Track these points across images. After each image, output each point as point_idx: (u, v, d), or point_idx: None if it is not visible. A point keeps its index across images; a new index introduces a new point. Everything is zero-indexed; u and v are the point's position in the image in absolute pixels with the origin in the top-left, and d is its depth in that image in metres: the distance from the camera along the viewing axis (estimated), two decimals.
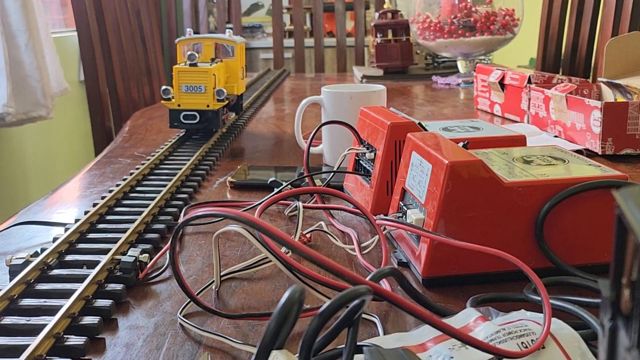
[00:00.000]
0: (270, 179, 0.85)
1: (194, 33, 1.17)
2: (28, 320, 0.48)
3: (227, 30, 1.17)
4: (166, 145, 1.04)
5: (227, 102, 1.08)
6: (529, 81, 1.22)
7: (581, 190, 0.56)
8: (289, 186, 0.79)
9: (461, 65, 1.94)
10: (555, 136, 1.10)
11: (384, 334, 0.48)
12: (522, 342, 0.41)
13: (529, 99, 1.21)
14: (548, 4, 2.11)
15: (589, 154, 0.98)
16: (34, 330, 0.47)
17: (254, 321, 0.51)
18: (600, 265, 0.58)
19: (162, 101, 1.07)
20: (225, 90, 1.06)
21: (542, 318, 0.43)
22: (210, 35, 1.16)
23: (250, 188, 0.87)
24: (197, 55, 1.05)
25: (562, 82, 1.21)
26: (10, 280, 0.54)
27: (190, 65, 1.05)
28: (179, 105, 1.06)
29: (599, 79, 1.18)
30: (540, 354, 0.41)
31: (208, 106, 1.06)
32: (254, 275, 0.60)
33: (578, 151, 0.98)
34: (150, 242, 0.66)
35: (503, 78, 1.32)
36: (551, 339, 0.41)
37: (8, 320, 0.49)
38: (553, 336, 0.41)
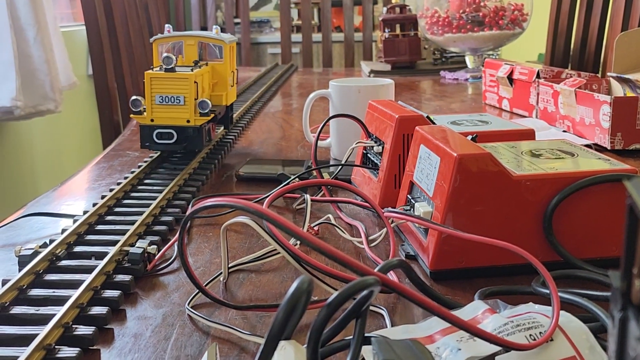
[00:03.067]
0: (278, 172, 0.85)
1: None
2: (37, 310, 0.49)
3: (215, 27, 0.97)
4: None
5: (212, 116, 0.89)
6: (538, 76, 1.22)
7: (590, 184, 0.56)
8: (297, 179, 0.79)
9: (469, 60, 1.93)
10: (564, 131, 1.10)
11: (392, 326, 0.48)
12: (530, 335, 0.41)
13: (538, 94, 1.21)
14: None
15: (598, 148, 0.98)
16: (43, 320, 0.47)
17: (262, 312, 0.51)
18: (608, 259, 0.57)
19: (132, 115, 0.87)
20: (209, 102, 0.86)
21: (550, 311, 0.43)
22: (193, 32, 0.96)
23: (258, 181, 0.87)
24: (173, 58, 0.84)
25: (571, 76, 1.21)
26: (20, 270, 0.55)
27: (166, 70, 0.85)
28: (152, 121, 0.85)
29: (608, 73, 1.18)
30: (548, 347, 0.40)
31: (188, 122, 0.85)
32: (261, 267, 0.60)
33: (587, 146, 0.97)
34: (158, 234, 0.67)
35: (511, 73, 1.31)
36: (559, 332, 0.41)
37: (17, 309, 0.49)
38: (561, 329, 0.41)
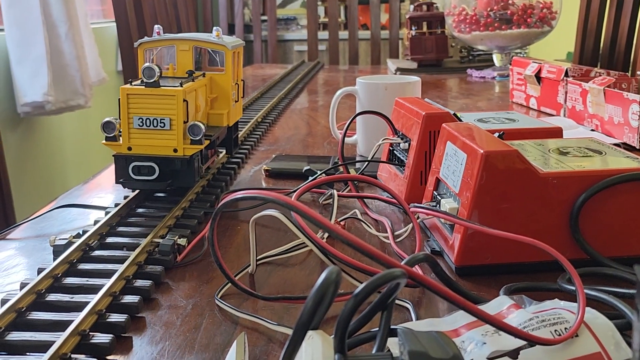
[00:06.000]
0: (305, 168, 0.86)
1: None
2: (72, 298, 0.50)
3: (215, 28, 0.79)
4: None
5: (207, 143, 0.71)
6: (566, 74, 1.21)
7: (617, 182, 0.56)
8: (324, 175, 0.80)
9: (497, 59, 1.92)
10: (592, 130, 1.09)
11: (417, 319, 0.49)
12: (555, 330, 0.41)
13: (566, 92, 1.20)
14: None
15: (627, 147, 0.97)
16: (77, 307, 0.48)
17: (289, 304, 0.52)
18: (636, 257, 0.57)
19: (105, 142, 0.70)
20: (203, 126, 0.68)
21: (576, 307, 0.43)
22: (187, 35, 0.78)
23: (285, 176, 0.89)
24: (156, 69, 0.67)
25: (600, 75, 1.20)
26: (54, 259, 0.56)
27: (147, 85, 0.67)
28: (129, 149, 0.69)
29: (638, 72, 1.17)
30: (573, 342, 0.41)
31: (175, 151, 0.68)
32: (288, 260, 0.61)
33: (615, 145, 0.96)
34: (187, 227, 0.68)
35: (539, 71, 1.31)
36: (585, 328, 0.41)
37: (53, 297, 0.50)
38: (587, 325, 0.42)
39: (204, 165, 0.77)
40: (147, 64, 0.67)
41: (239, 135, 1.02)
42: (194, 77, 0.74)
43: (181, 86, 0.68)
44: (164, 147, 0.68)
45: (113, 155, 0.69)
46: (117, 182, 0.70)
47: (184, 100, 0.68)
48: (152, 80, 0.67)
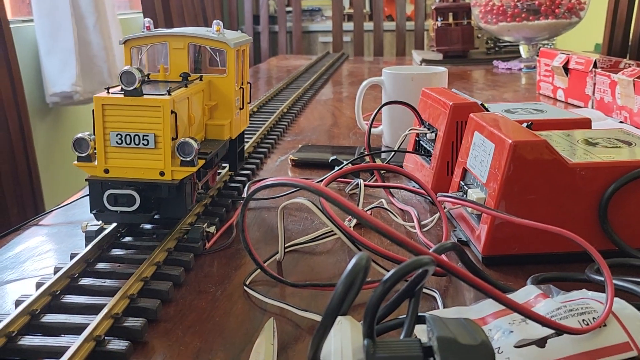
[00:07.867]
0: (331, 158, 0.87)
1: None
2: (104, 282, 0.51)
3: (216, 22, 0.66)
4: None
5: (202, 163, 0.60)
6: (595, 65, 1.20)
7: None
8: (351, 164, 0.81)
9: (523, 50, 1.90)
10: (621, 122, 1.08)
11: (444, 308, 0.49)
12: (583, 320, 0.41)
13: (594, 84, 1.19)
14: None
15: None
16: (109, 292, 0.50)
17: (316, 292, 0.53)
18: None
19: (76, 163, 0.58)
20: (195, 143, 0.56)
21: (604, 297, 0.43)
22: (182, 30, 0.65)
23: (311, 166, 0.89)
24: (137, 75, 0.54)
25: (629, 66, 1.18)
26: (86, 245, 0.57)
27: (127, 93, 0.55)
28: (106, 172, 0.57)
29: None
30: (601, 332, 0.41)
31: (162, 174, 0.56)
32: (316, 248, 0.62)
33: None
34: (216, 214, 0.69)
35: (567, 62, 1.29)
36: (613, 318, 0.41)
37: (85, 281, 0.52)
38: (615, 315, 0.42)
39: (199, 191, 0.66)
40: (126, 67, 0.55)
41: (245, 149, 0.83)
42: (188, 82, 0.62)
43: (169, 94, 0.56)
44: (148, 170, 0.56)
45: (87, 179, 0.58)
46: (91, 211, 0.58)
47: (172, 112, 0.56)
48: (132, 88, 0.55)
